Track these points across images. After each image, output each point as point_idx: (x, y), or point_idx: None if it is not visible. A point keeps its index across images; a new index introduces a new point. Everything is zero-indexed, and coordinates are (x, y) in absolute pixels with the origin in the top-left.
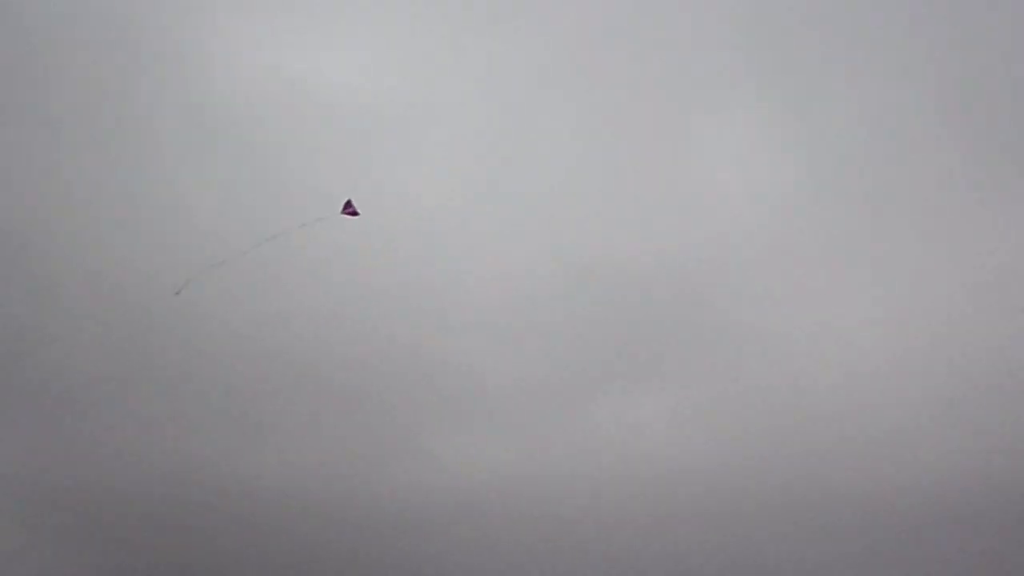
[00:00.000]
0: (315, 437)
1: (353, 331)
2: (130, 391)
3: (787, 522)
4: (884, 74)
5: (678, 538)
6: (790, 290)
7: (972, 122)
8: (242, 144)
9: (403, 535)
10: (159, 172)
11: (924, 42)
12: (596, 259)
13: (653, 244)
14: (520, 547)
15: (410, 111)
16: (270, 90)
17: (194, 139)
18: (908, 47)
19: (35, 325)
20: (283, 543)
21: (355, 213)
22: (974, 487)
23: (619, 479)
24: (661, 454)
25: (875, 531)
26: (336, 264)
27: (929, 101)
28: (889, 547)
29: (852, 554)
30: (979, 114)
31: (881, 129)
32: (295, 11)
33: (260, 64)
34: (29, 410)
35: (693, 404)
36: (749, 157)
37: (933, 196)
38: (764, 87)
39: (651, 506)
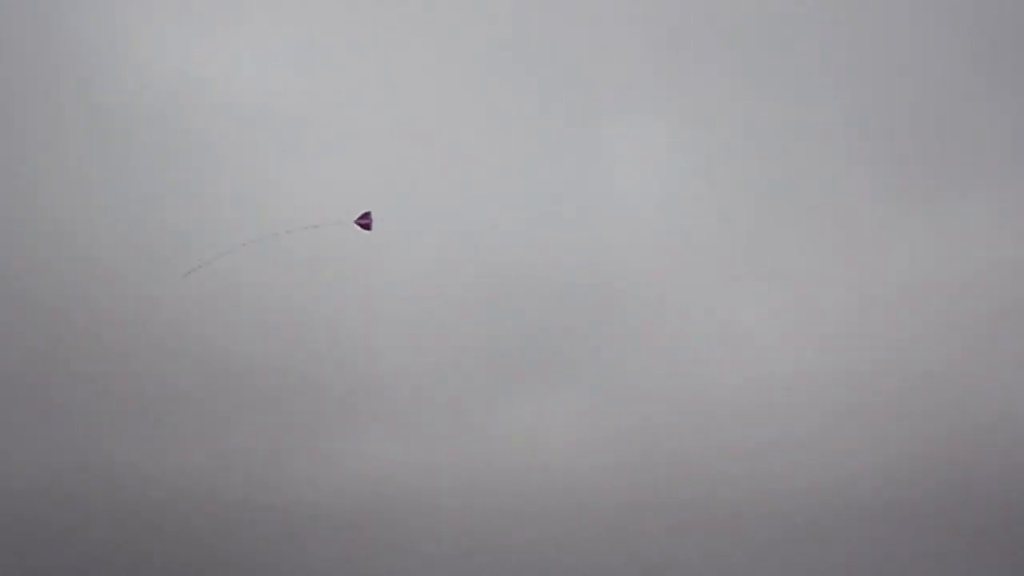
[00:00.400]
0: (213, 436)
1: (252, 331)
2: (30, 388)
3: (688, 521)
4: (787, 87)
5: (581, 537)
6: (693, 295)
7: (872, 136)
8: (145, 144)
9: (303, 534)
10: (63, 170)
11: (826, 57)
12: (501, 261)
13: (558, 247)
14: (421, 546)
15: (318, 112)
16: (173, 91)
17: (97, 138)
18: (811, 62)
19: None
20: (180, 542)
21: (368, 227)
22: (868, 487)
23: (522, 479)
24: (564, 455)
25: (772, 529)
26: (235, 265)
27: (831, 115)
28: (785, 545)
29: (751, 551)
30: (878, 130)
31: (783, 141)
32: (200, 15)
33: (163, 66)
34: None
35: (596, 406)
36: (655, 164)
37: (833, 207)
38: (672, 96)
39: (554, 505)
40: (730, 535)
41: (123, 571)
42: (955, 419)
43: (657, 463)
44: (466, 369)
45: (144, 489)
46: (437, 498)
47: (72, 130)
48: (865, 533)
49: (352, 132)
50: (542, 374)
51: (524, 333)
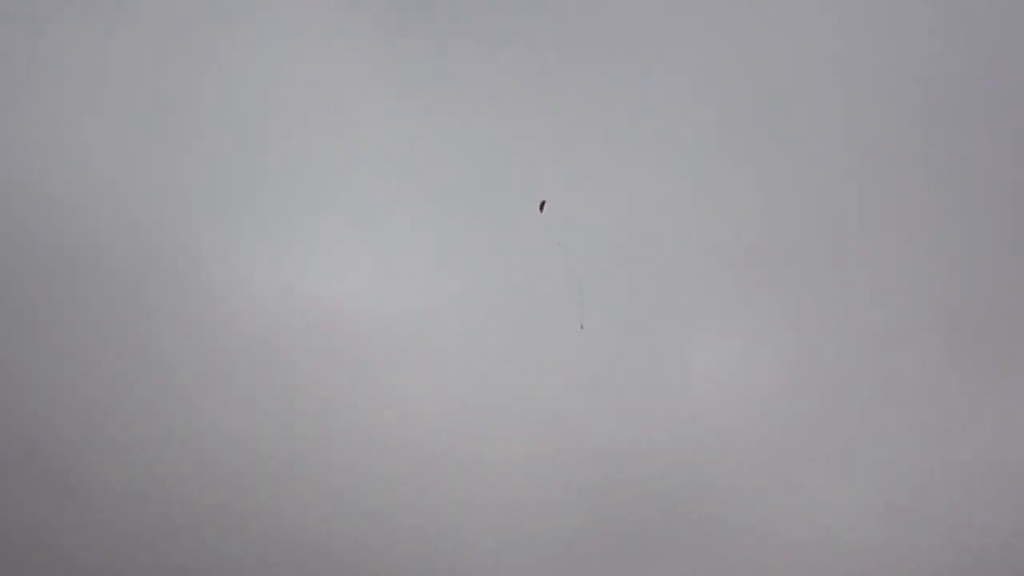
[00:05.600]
0: None
1: (360, 512)
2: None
3: None
4: (859, 290)
5: None
6: (780, 485)
7: (937, 325)
8: (256, 359)
9: None
10: (179, 387)
11: (890, 257)
12: (595, 455)
13: (653, 444)
14: None
15: (414, 326)
16: (282, 308)
17: (210, 356)
18: (883, 261)
19: None
20: None
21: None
22: None
23: None
24: None
25: None
26: (346, 456)
27: (910, 311)
28: None
29: None
30: (956, 317)
31: (861, 336)
32: (304, 238)
33: (274, 285)
34: None
35: None
36: (729, 368)
37: (913, 393)
38: (750, 307)
39: None
40: None
41: None
42: None
43: None
44: (561, 551)
45: None
46: None
47: (180, 348)
48: None
49: (460, 340)
50: (637, 564)
51: (621, 521)
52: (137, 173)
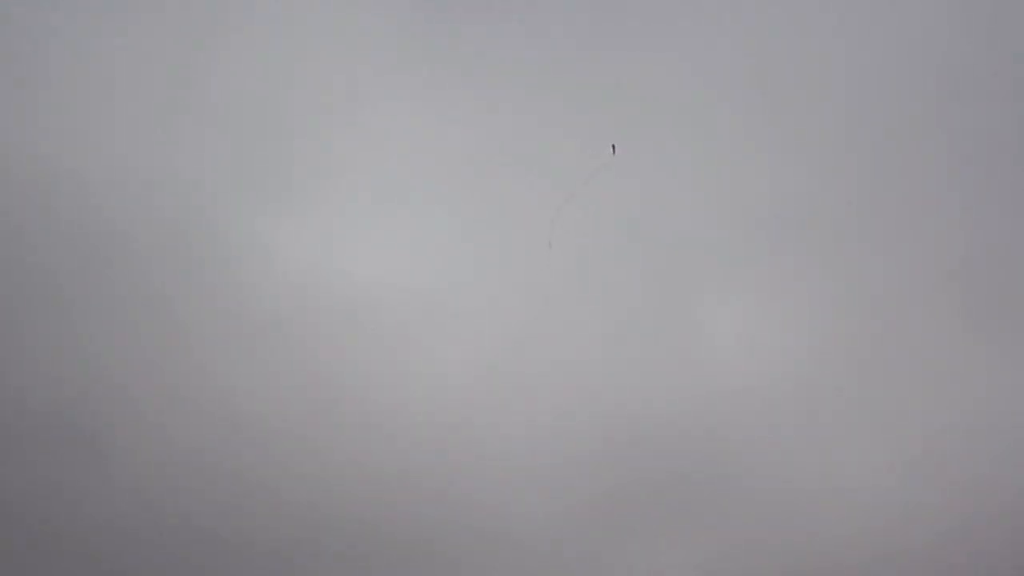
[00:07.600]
0: None
1: (387, 480)
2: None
3: None
4: (873, 251)
5: None
6: (797, 443)
7: (964, 282)
8: (279, 333)
9: None
10: (205, 362)
11: (915, 217)
12: (617, 418)
13: (672, 405)
14: None
15: (436, 299)
16: (306, 283)
17: (235, 331)
18: (898, 219)
19: None
20: None
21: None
22: None
23: None
24: None
25: None
26: (373, 423)
27: (921, 270)
28: None
29: None
30: (972, 274)
31: (875, 295)
32: (327, 214)
33: (297, 261)
34: None
35: (709, 557)
36: (754, 327)
37: (929, 351)
38: (765, 269)
39: None
40: None
41: None
42: None
43: None
44: (589, 520)
45: None
46: None
47: (201, 322)
48: None
49: (480, 313)
50: (662, 525)
51: (644, 485)
52: (162, 154)
